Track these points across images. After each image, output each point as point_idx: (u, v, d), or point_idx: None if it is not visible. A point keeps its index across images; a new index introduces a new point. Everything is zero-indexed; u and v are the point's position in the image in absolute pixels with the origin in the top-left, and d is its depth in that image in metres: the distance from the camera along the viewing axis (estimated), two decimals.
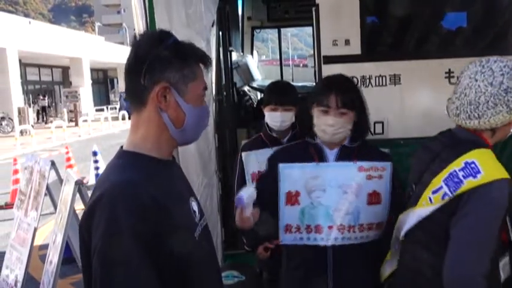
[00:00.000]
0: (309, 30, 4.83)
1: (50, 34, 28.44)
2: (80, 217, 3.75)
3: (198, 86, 1.42)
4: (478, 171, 1.66)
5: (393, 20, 4.38)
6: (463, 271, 1.61)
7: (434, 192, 1.76)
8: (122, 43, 43.89)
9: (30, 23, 28.01)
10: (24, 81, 29.01)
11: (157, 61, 1.34)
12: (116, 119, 26.15)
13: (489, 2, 4.22)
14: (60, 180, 3.81)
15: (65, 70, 34.38)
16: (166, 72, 1.36)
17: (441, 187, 1.73)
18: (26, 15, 64.71)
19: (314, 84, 4.91)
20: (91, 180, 9.03)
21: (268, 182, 2.18)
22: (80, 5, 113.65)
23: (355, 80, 4.16)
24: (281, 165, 2.11)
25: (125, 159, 1.38)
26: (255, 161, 2.94)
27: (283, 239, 2.17)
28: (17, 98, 24.88)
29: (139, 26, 1.90)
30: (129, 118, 1.53)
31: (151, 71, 1.34)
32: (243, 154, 3.02)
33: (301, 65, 25.84)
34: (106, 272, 1.23)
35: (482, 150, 1.74)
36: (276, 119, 2.82)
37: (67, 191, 3.19)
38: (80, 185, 2.96)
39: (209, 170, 3.86)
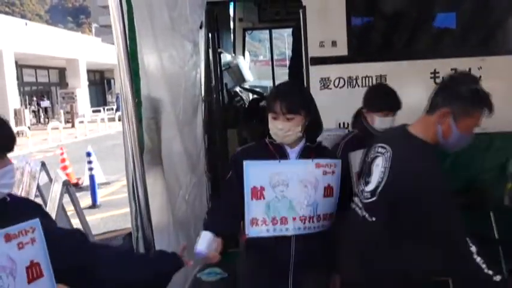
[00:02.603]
0: None
1: (46, 35, 28.41)
2: (70, 218, 3.80)
3: (471, 122, 2.04)
4: None
5: (379, 22, 4.44)
6: None
7: None
8: None
9: (26, 24, 27.96)
10: (21, 83, 28.96)
11: (457, 94, 2.01)
12: (112, 120, 26.11)
13: (474, 4, 4.28)
14: (51, 181, 3.86)
15: (62, 71, 34.30)
16: (455, 105, 2.00)
17: None
18: (23, 17, 64.51)
19: None
20: (86, 180, 9.05)
21: (233, 183, 2.35)
22: (77, 6, 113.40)
23: (341, 80, 4.24)
24: (246, 162, 2.28)
25: (426, 148, 2.08)
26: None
27: (249, 232, 2.30)
28: (13, 99, 24.87)
29: (117, 28, 1.91)
30: None
31: (449, 98, 2.03)
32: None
33: None
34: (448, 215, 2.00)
35: None
36: (388, 124, 3.01)
37: (56, 190, 3.23)
38: (67, 185, 3.01)
39: (198, 169, 3.91)
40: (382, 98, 3.06)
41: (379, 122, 3.00)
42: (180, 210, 3.13)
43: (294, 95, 2.31)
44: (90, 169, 8.31)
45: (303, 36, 4.24)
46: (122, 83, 1.98)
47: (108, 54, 35.27)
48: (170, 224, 2.78)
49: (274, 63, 8.74)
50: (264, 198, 2.27)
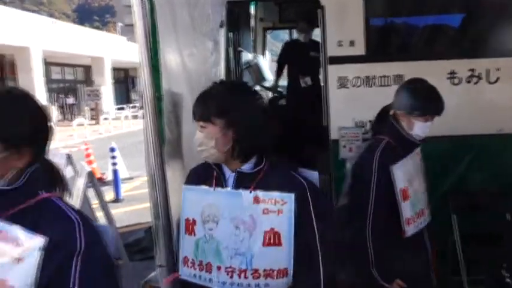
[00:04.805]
0: None
1: (72, 34, 29.00)
2: (94, 211, 3.93)
3: None
4: None
5: (397, 22, 4.48)
6: None
7: None
8: None
9: (53, 22, 28.58)
10: (48, 80, 29.62)
11: None
12: (136, 117, 26.53)
13: (493, 4, 4.28)
14: (76, 173, 4.02)
15: (87, 69, 34.93)
16: None
17: None
18: (51, 15, 65.69)
19: None
20: (109, 176, 9.27)
21: None
22: (103, 5, 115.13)
23: (359, 80, 4.30)
24: (184, 187, 1.80)
25: None
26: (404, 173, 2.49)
27: (181, 272, 1.80)
28: (41, 96, 25.46)
29: (139, 25, 2.01)
30: None
31: None
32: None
33: None
34: None
35: None
36: (426, 130, 2.47)
37: (80, 182, 3.38)
38: (91, 177, 3.13)
39: None
40: (427, 99, 2.52)
41: (419, 128, 2.46)
42: None
43: (213, 98, 1.71)
44: (114, 164, 8.52)
45: (321, 35, 4.31)
46: (143, 78, 2.10)
47: (133, 52, 35.72)
48: None
49: None
50: (194, 234, 1.74)
